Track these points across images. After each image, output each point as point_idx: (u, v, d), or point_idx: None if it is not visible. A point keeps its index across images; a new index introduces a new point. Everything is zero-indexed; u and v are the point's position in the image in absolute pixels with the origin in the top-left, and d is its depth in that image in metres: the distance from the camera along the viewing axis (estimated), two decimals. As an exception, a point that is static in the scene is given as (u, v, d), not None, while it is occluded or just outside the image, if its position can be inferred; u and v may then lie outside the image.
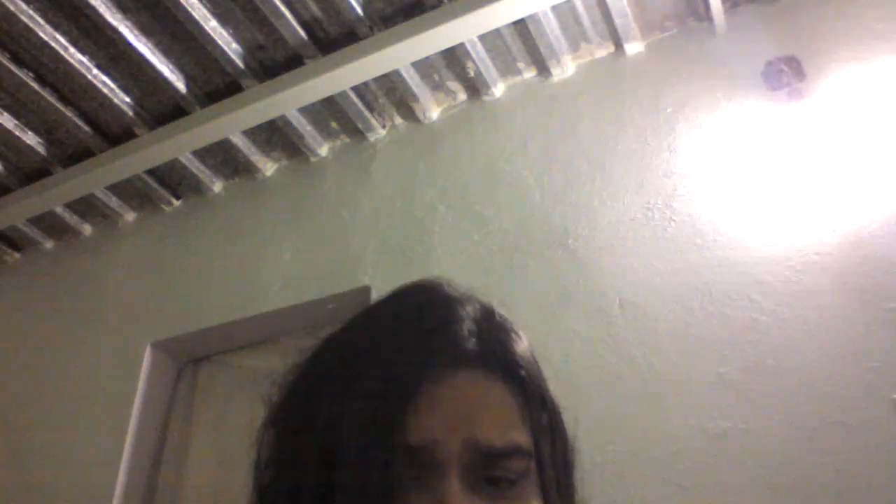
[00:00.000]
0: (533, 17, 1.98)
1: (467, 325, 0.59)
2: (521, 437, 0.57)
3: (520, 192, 1.99)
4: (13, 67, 2.14)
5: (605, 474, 1.54)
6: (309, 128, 2.33)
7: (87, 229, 2.74)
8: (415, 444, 0.53)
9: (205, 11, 2.00)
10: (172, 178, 2.54)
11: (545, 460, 0.58)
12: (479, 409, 0.56)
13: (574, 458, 0.63)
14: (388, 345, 0.57)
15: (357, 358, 0.57)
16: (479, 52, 2.09)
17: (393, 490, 0.51)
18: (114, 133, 2.37)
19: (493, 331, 0.61)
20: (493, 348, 0.59)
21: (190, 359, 2.39)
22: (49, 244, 2.80)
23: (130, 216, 2.67)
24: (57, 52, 2.09)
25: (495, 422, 0.56)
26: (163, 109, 2.31)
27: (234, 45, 2.11)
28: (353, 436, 0.53)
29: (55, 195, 2.46)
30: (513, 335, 0.62)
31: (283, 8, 1.98)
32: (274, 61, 2.16)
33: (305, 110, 2.27)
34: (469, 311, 0.61)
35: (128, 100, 2.27)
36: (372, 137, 2.34)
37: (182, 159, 2.39)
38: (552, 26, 2.03)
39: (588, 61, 2.13)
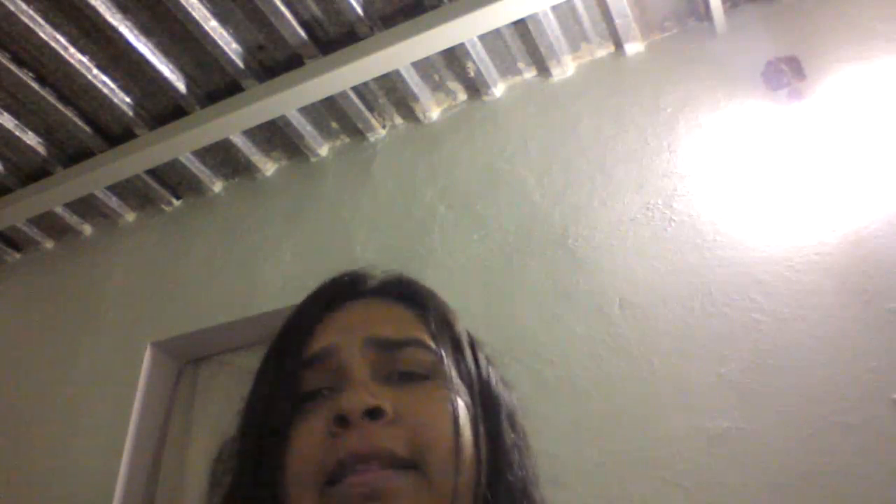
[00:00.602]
0: (533, 17, 1.98)
1: (373, 278, 0.65)
2: (420, 335, 0.59)
3: (520, 192, 1.99)
4: (13, 67, 2.14)
5: (605, 474, 1.54)
6: (309, 128, 2.33)
7: (87, 229, 2.74)
8: (317, 351, 0.57)
9: (205, 11, 2.00)
10: (172, 178, 2.54)
11: (451, 370, 0.59)
12: (376, 318, 0.60)
13: (499, 397, 0.63)
14: (303, 304, 0.64)
15: (284, 324, 0.64)
16: (479, 52, 2.09)
17: (302, 403, 0.55)
18: (114, 133, 2.37)
19: (401, 278, 0.66)
20: (395, 285, 0.65)
21: (190, 359, 2.39)
22: (49, 244, 2.80)
23: (130, 216, 2.67)
24: (57, 52, 2.09)
25: (392, 324, 0.60)
26: (163, 109, 2.30)
27: (234, 45, 2.11)
28: (268, 370, 0.60)
29: (55, 195, 2.46)
30: (424, 287, 0.66)
31: (283, 8, 1.98)
32: (274, 61, 2.16)
33: (305, 110, 2.27)
34: (379, 272, 0.67)
35: (128, 100, 2.27)
36: (372, 137, 2.34)
37: (182, 159, 2.39)
38: (552, 26, 2.03)
39: (588, 61, 2.13)
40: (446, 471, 0.53)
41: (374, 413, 0.52)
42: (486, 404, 0.61)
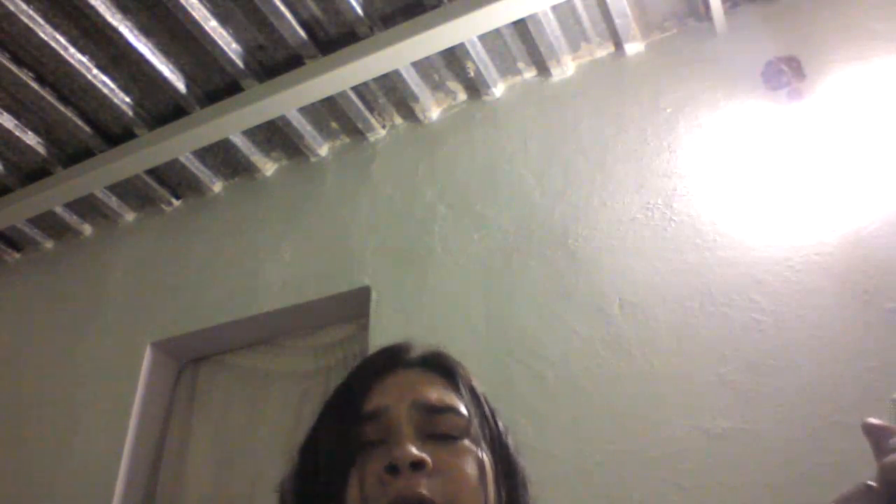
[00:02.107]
0: (533, 17, 1.98)
1: (414, 350, 0.77)
2: (455, 402, 0.71)
3: (520, 192, 1.99)
4: (13, 67, 2.14)
5: (605, 474, 1.54)
6: (309, 128, 2.33)
7: (87, 229, 2.74)
8: (371, 411, 0.69)
9: (205, 11, 2.00)
10: (172, 178, 2.54)
11: (479, 433, 0.70)
12: (420, 385, 0.72)
13: (516, 460, 0.75)
14: (357, 370, 0.76)
15: (340, 385, 0.76)
16: (479, 52, 2.09)
17: (359, 452, 0.66)
18: (114, 133, 2.37)
19: (437, 353, 0.78)
20: (433, 359, 0.77)
21: (190, 359, 2.39)
22: (49, 244, 2.80)
23: (130, 216, 2.67)
24: (57, 52, 2.09)
25: (433, 391, 0.71)
26: (163, 109, 2.31)
27: (234, 45, 2.11)
28: (329, 421, 0.72)
29: (55, 195, 2.46)
30: (455, 361, 0.78)
31: (283, 8, 1.98)
32: (274, 61, 2.16)
33: (305, 110, 2.27)
34: (420, 346, 0.78)
35: (128, 100, 2.27)
36: (372, 137, 2.34)
37: (182, 159, 2.39)
38: (552, 26, 2.03)
39: (588, 61, 2.13)
40: None
41: (418, 465, 0.63)
42: (506, 464, 0.72)
